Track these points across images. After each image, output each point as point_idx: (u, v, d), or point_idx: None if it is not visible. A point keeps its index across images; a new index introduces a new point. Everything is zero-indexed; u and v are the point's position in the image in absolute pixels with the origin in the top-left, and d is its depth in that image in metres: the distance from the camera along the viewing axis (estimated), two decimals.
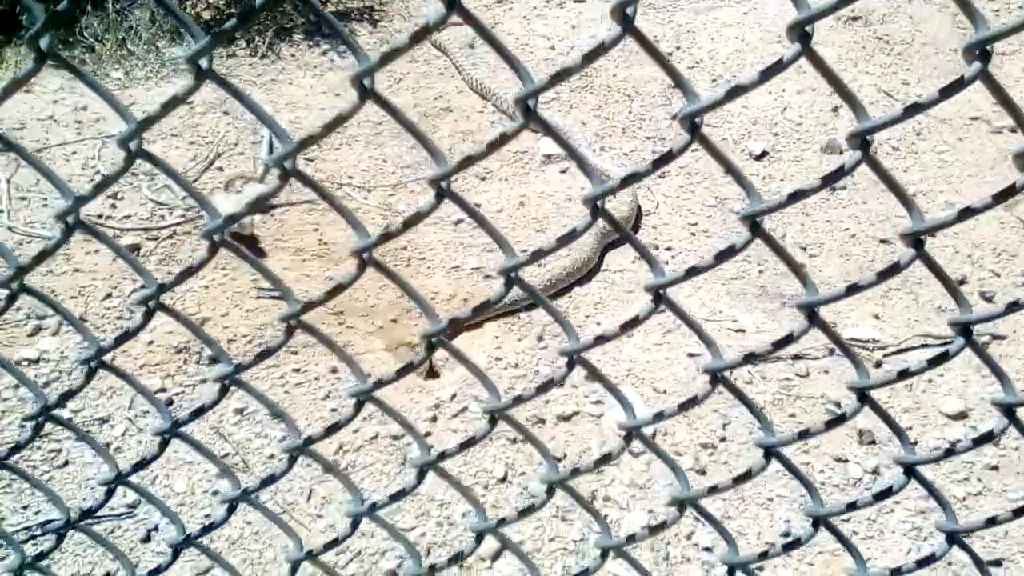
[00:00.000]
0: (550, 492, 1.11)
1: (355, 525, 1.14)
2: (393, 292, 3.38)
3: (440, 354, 3.14)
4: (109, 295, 3.19)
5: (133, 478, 1.26)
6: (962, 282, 3.37)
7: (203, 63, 0.80)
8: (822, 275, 3.42)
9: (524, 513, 1.13)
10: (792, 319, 3.20)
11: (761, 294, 3.32)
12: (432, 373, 3.04)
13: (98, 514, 2.46)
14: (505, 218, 3.70)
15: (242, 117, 4.15)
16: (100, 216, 3.51)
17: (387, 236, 0.89)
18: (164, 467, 2.64)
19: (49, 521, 2.48)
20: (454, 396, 2.89)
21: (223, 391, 1.06)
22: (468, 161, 0.83)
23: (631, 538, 1.12)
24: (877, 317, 3.19)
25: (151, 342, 3.01)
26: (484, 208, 3.75)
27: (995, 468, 2.67)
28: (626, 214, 3.60)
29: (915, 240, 0.83)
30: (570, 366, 0.96)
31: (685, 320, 0.96)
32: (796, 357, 3.01)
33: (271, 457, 2.70)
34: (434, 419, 2.81)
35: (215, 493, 2.58)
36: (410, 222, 0.87)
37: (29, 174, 3.66)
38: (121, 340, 1.07)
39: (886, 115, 0.77)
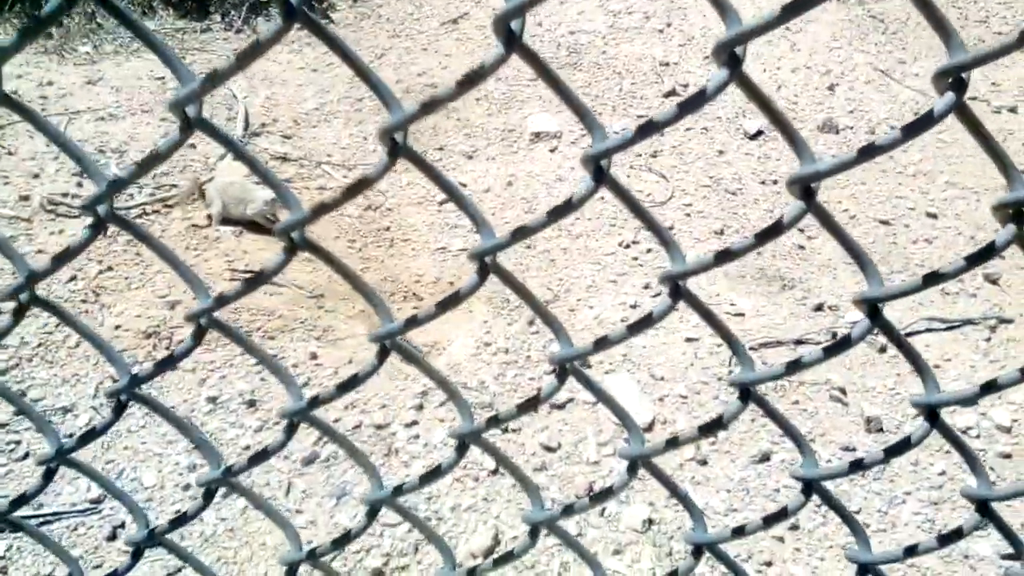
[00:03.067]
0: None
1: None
2: (375, 275, 3.22)
3: (423, 339, 2.98)
4: (74, 278, 3.01)
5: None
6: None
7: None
8: (821, 257, 3.30)
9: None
10: (794, 302, 3.08)
11: (760, 277, 3.20)
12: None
13: (58, 510, 2.31)
14: (492, 198, 3.55)
15: (215, 92, 3.95)
16: (66, 195, 3.32)
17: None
18: (132, 459, 2.47)
19: None
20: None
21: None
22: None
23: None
24: None
25: (118, 326, 2.83)
26: (471, 187, 3.59)
27: (1008, 456, 2.56)
28: None
29: (871, 308, 0.70)
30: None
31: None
32: (798, 342, 2.89)
33: (247, 448, 2.54)
34: (420, 407, 2.66)
35: (187, 487, 2.41)
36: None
37: None
38: None
39: (835, 161, 0.63)
